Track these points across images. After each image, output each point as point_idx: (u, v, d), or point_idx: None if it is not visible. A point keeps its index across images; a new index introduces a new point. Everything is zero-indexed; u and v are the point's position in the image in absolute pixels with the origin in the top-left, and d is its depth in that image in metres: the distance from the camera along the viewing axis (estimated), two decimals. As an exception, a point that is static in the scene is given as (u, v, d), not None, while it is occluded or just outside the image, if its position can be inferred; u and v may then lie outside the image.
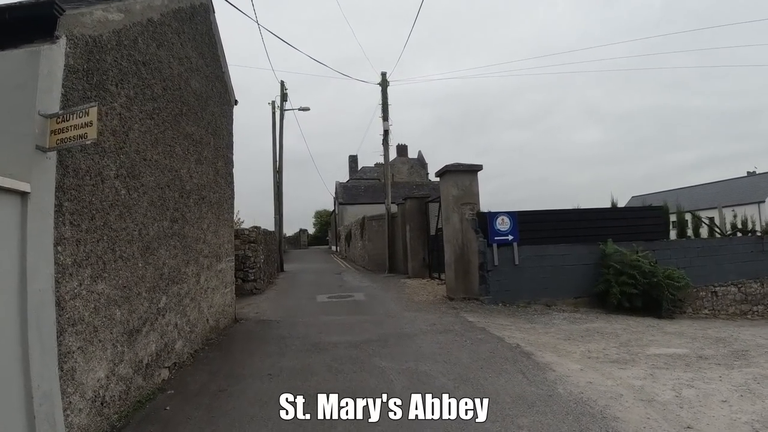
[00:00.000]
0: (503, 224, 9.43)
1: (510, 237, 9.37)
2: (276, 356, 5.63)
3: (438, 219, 13.53)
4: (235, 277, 11.65)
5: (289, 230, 70.44)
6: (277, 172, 20.01)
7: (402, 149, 55.41)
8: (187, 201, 5.80)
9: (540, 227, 9.78)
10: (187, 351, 5.56)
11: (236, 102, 8.69)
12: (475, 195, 9.83)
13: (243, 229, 11.55)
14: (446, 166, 9.79)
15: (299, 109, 20.72)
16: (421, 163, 59.39)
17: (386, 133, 17.34)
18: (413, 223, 14.89)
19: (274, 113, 20.06)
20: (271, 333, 6.92)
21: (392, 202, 17.72)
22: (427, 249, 14.59)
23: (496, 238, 9.33)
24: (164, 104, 5.15)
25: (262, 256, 12.65)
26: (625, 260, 9.20)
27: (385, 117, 17.38)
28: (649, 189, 56.65)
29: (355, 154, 63.69)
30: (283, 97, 20.10)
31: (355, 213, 29.83)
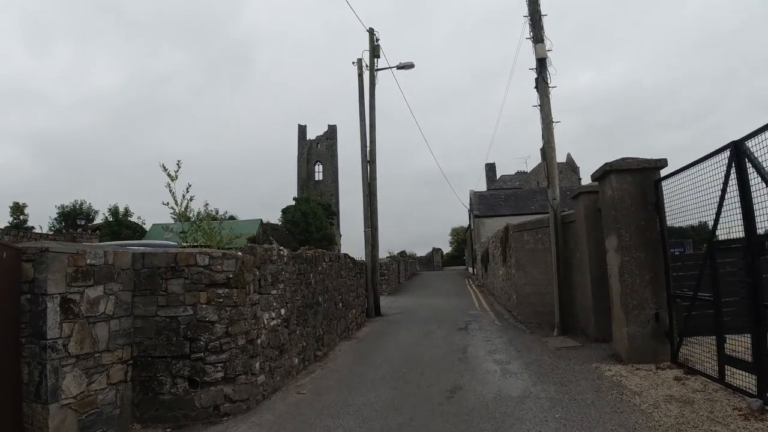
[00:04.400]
0: None
1: None
2: None
3: (717, 218, 5.08)
4: (174, 380, 4.54)
5: (422, 251, 64.11)
6: (368, 162, 13.17)
7: (551, 149, 46.05)
8: None
9: None
10: None
11: None
12: None
13: (198, 252, 4.58)
14: None
15: (398, 67, 13.71)
16: (571, 167, 49.46)
17: (541, 63, 9.20)
18: (626, 231, 6.39)
19: (360, 75, 13.41)
20: None
21: (564, 209, 9.35)
22: (667, 291, 6.01)
23: None
24: None
25: (274, 314, 5.67)
26: None
27: (538, 37, 9.30)
28: None
29: (492, 162, 55.42)
30: (374, 51, 13.36)
31: (494, 227, 22.22)
